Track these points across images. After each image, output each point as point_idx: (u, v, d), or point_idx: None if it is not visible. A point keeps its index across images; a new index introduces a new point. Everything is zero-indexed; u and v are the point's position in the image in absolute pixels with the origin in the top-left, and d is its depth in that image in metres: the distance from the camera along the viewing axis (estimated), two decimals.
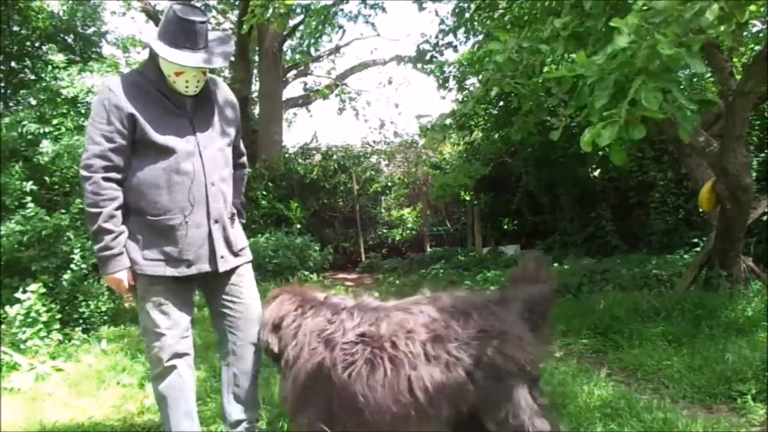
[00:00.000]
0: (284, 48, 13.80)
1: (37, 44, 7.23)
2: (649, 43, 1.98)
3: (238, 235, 2.50)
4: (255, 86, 13.46)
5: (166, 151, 2.23)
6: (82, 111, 5.90)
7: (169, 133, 2.24)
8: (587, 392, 3.12)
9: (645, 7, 2.11)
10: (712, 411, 2.97)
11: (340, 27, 14.11)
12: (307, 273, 8.92)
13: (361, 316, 2.15)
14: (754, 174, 5.87)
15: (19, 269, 4.97)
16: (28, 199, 5.16)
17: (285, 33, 12.16)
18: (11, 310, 4.53)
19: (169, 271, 2.28)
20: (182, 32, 2.17)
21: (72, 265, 5.04)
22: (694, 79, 6.73)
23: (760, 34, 5.35)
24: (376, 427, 2.01)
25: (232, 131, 2.50)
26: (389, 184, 13.09)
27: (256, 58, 13.36)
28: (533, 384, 2.10)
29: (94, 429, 3.03)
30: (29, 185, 5.32)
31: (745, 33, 5.20)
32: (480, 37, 5.78)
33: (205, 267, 2.34)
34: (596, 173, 9.02)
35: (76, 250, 5.09)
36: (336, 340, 2.09)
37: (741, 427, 2.74)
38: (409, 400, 1.98)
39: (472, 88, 6.75)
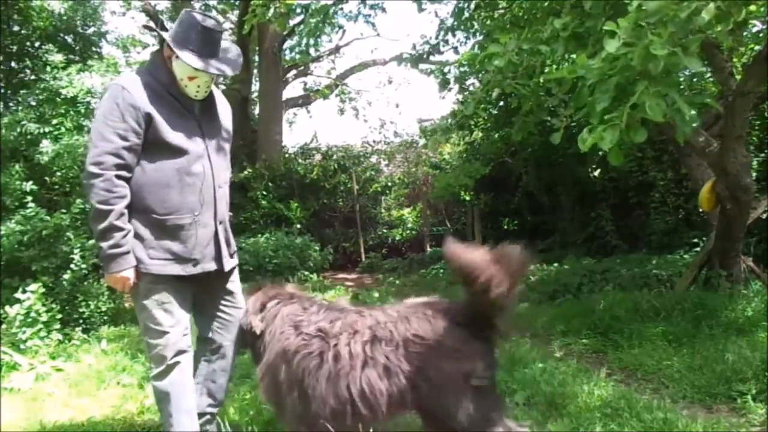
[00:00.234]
0: (284, 48, 13.79)
1: (37, 44, 7.22)
2: (642, 44, 1.97)
3: (231, 237, 2.61)
4: (255, 86, 13.45)
5: (179, 152, 2.28)
6: (82, 111, 5.90)
7: (181, 135, 2.29)
8: (587, 392, 3.12)
9: (639, 5, 2.11)
10: (712, 411, 2.98)
11: (340, 27, 14.09)
12: (307, 273, 8.92)
13: (326, 312, 2.31)
14: (754, 174, 5.87)
15: (19, 269, 4.97)
16: (29, 199, 5.16)
17: (285, 33, 12.15)
18: (11, 310, 4.53)
19: (176, 270, 2.31)
20: (204, 40, 2.25)
21: (72, 265, 5.04)
22: (694, 79, 6.72)
23: (760, 34, 5.35)
24: (319, 417, 2.13)
25: (230, 137, 2.60)
26: (389, 184, 13.09)
27: (256, 58, 13.36)
28: (482, 395, 2.06)
29: (94, 429, 3.03)
30: (29, 185, 5.32)
31: (745, 33, 5.19)
32: (480, 38, 5.79)
33: (211, 266, 2.40)
34: (596, 173, 9.02)
35: (76, 250, 5.09)
36: (301, 328, 2.26)
37: (741, 427, 2.74)
38: (345, 397, 2.10)
39: (472, 88, 6.75)
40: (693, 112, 2.07)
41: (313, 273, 9.09)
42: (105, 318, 5.42)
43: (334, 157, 12.76)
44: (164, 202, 2.26)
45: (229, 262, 2.51)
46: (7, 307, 4.57)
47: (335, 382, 2.13)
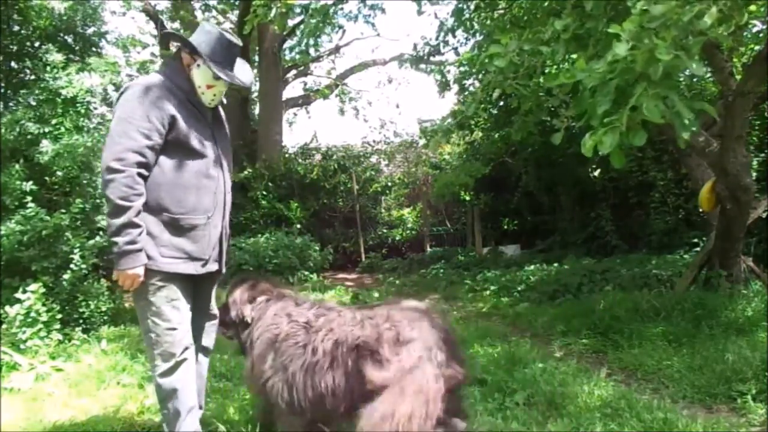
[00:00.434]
0: (284, 48, 13.80)
1: (37, 44, 7.22)
2: (646, 48, 1.98)
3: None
4: (255, 86, 13.46)
5: (199, 155, 2.36)
6: (81, 111, 5.89)
7: (201, 139, 2.37)
8: (587, 392, 3.12)
9: (644, 9, 2.11)
10: (712, 411, 2.98)
11: (340, 27, 14.10)
12: (307, 273, 8.92)
13: (315, 308, 2.47)
14: (754, 174, 5.88)
15: (19, 269, 4.97)
16: (29, 199, 5.16)
17: (285, 33, 12.16)
18: (11, 310, 4.53)
19: (187, 269, 2.36)
20: (228, 54, 2.42)
21: (72, 265, 5.04)
22: (694, 80, 6.73)
23: (760, 34, 5.35)
24: (299, 405, 2.28)
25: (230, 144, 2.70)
26: (389, 184, 13.09)
27: (256, 58, 13.36)
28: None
29: (94, 429, 3.03)
30: (29, 185, 5.32)
31: (745, 33, 5.20)
32: (480, 38, 5.79)
33: (214, 267, 2.49)
34: (596, 173, 9.03)
35: (75, 250, 5.08)
36: (293, 317, 2.43)
37: (741, 427, 2.74)
38: (318, 390, 2.24)
39: (472, 88, 6.75)
40: (692, 115, 2.07)
41: (313, 273, 9.09)
42: (105, 318, 5.41)
43: (334, 157, 12.76)
44: (181, 202, 2.31)
45: (223, 266, 2.60)
46: (7, 307, 4.56)
47: (311, 374, 2.26)
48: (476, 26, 5.82)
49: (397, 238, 12.54)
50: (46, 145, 5.47)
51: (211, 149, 2.42)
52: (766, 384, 3.02)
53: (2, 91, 7.27)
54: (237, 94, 12.22)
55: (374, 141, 14.38)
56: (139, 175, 2.21)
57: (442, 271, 9.27)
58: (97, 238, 5.37)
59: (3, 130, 5.65)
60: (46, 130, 5.62)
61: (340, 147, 13.33)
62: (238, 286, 2.65)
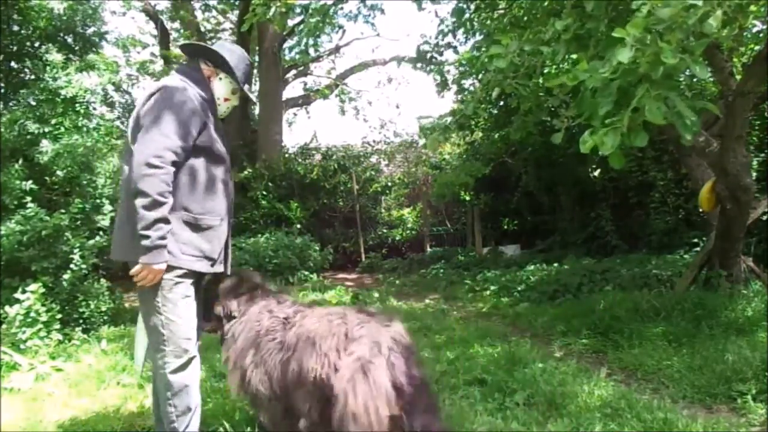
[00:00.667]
0: (284, 48, 13.79)
1: (37, 44, 7.21)
2: (652, 51, 1.97)
3: None
4: (255, 86, 13.47)
5: (222, 161, 2.51)
6: (81, 111, 5.89)
7: (221, 146, 2.51)
8: (587, 392, 3.12)
9: (649, 12, 2.10)
10: (712, 411, 2.98)
11: (340, 27, 14.12)
12: (307, 273, 8.92)
13: (296, 306, 2.55)
14: (754, 174, 5.88)
15: (19, 269, 4.97)
16: (28, 199, 5.16)
17: (285, 33, 12.16)
18: (11, 310, 4.53)
19: (202, 267, 2.43)
20: (247, 73, 2.66)
21: (72, 265, 5.04)
22: (694, 80, 6.72)
23: (760, 34, 5.35)
24: (277, 399, 2.37)
25: None
26: (389, 184, 13.09)
27: (256, 58, 13.36)
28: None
29: (94, 429, 3.03)
30: (29, 184, 5.32)
31: (745, 33, 5.20)
32: (480, 38, 5.78)
33: (220, 268, 2.56)
34: (596, 173, 9.03)
35: (76, 250, 5.08)
36: (274, 313, 2.51)
37: (741, 427, 2.74)
38: (284, 381, 2.32)
39: (471, 88, 6.74)
40: (694, 116, 2.07)
41: (313, 273, 9.09)
42: (105, 318, 5.42)
43: (334, 157, 12.76)
44: (203, 202, 2.41)
45: (228, 268, 2.67)
46: (7, 307, 4.57)
47: (284, 366, 2.34)
48: (476, 26, 5.82)
49: (397, 238, 12.55)
50: (46, 145, 5.47)
51: (226, 156, 2.56)
52: (766, 384, 3.02)
53: (2, 91, 7.26)
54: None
55: (374, 141, 14.39)
56: (174, 174, 2.31)
57: (442, 271, 9.28)
58: (97, 238, 5.37)
59: (3, 130, 5.64)
60: (46, 130, 5.62)
61: (340, 147, 13.33)
62: (225, 281, 2.69)
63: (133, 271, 2.27)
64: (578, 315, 4.94)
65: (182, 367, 2.38)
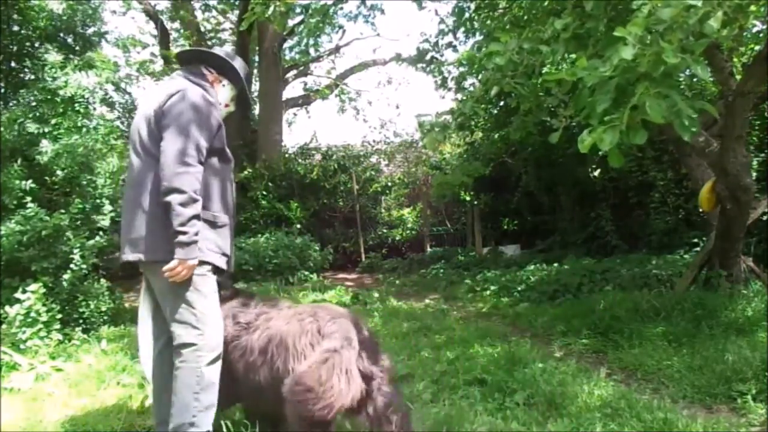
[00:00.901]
0: (284, 48, 13.79)
1: (36, 44, 7.21)
2: (653, 51, 1.97)
3: None
4: (255, 86, 13.46)
5: (230, 162, 2.60)
6: (81, 111, 5.88)
7: (228, 148, 2.57)
8: (587, 392, 3.12)
9: (650, 12, 2.10)
10: (712, 411, 2.98)
11: (340, 27, 14.11)
12: (307, 273, 8.92)
13: (260, 306, 2.60)
14: (754, 174, 5.87)
15: (19, 269, 4.97)
16: (28, 199, 5.16)
17: (285, 33, 12.15)
18: (11, 310, 4.53)
19: (221, 263, 2.48)
20: (250, 80, 2.74)
21: (72, 265, 5.04)
22: (694, 80, 6.72)
23: (760, 34, 5.35)
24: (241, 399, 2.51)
25: None
26: (389, 184, 13.09)
27: (256, 58, 13.36)
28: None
29: (94, 429, 3.03)
30: (28, 184, 5.32)
31: (745, 33, 5.20)
32: (480, 38, 5.78)
33: (225, 266, 2.56)
34: (596, 173, 9.03)
35: (76, 250, 5.08)
36: (238, 318, 2.56)
37: (741, 427, 2.74)
38: (251, 386, 2.41)
39: (471, 88, 6.73)
40: (693, 115, 2.07)
41: (313, 273, 9.08)
42: (105, 318, 5.41)
43: (334, 157, 12.76)
44: (219, 201, 2.48)
45: (232, 266, 2.67)
46: (7, 307, 4.57)
47: (250, 372, 2.42)
48: (477, 26, 5.82)
49: (397, 238, 12.54)
50: (46, 145, 5.47)
51: (232, 157, 2.63)
52: (766, 384, 3.02)
53: (2, 91, 7.26)
54: None
55: (374, 141, 14.39)
56: None
57: (442, 271, 9.28)
58: (97, 238, 5.37)
59: (3, 130, 5.64)
60: (46, 130, 5.61)
61: (340, 147, 13.33)
62: None
63: (168, 267, 2.27)
64: (578, 315, 4.94)
65: (213, 362, 2.40)
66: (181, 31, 14.35)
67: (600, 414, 2.82)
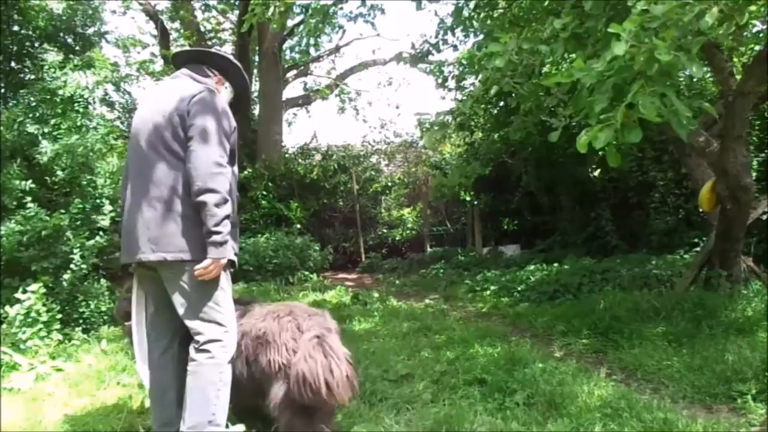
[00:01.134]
0: (284, 48, 13.78)
1: (36, 44, 7.21)
2: (647, 48, 1.98)
3: None
4: (255, 86, 13.45)
5: (236, 164, 2.61)
6: (80, 111, 5.88)
7: None
8: (587, 392, 3.11)
9: (644, 9, 2.11)
10: (712, 411, 2.97)
11: (340, 27, 14.13)
12: (307, 273, 8.92)
13: (239, 311, 2.64)
14: (754, 174, 5.87)
15: (19, 269, 4.96)
16: (28, 199, 5.16)
17: (285, 33, 12.16)
18: (11, 310, 4.52)
19: (236, 261, 2.50)
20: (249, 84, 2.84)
21: (72, 265, 5.04)
22: (694, 80, 6.72)
23: (760, 34, 5.35)
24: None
25: None
26: (389, 184, 13.10)
27: (256, 58, 13.36)
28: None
29: (94, 429, 3.03)
30: (28, 184, 5.32)
31: (745, 33, 5.19)
32: (480, 38, 5.78)
33: (236, 264, 2.59)
34: (596, 173, 9.03)
35: (76, 250, 5.08)
36: None
37: (741, 427, 2.74)
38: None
39: (471, 88, 6.74)
40: (689, 114, 2.07)
41: (313, 273, 9.09)
42: (105, 318, 5.41)
43: (334, 157, 12.77)
44: (233, 202, 2.50)
45: None
46: (7, 307, 4.56)
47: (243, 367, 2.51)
48: (476, 25, 5.82)
49: (397, 238, 12.55)
50: (46, 146, 5.47)
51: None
52: (766, 384, 3.02)
53: (2, 91, 7.26)
54: None
55: (374, 141, 14.41)
56: None
57: (442, 271, 9.28)
58: (97, 238, 5.36)
59: (3, 129, 5.64)
60: (45, 130, 5.61)
61: (340, 147, 13.34)
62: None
63: (202, 266, 2.27)
64: (578, 315, 4.94)
65: (231, 360, 2.42)
66: (181, 31, 14.34)
67: (600, 414, 2.82)
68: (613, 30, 2.07)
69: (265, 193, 11.20)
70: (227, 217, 2.30)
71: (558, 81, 2.36)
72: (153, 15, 13.38)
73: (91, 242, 5.25)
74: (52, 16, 7.25)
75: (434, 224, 12.89)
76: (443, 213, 12.92)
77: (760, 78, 4.07)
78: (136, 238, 2.36)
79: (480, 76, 4.16)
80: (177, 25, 14.57)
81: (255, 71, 13.67)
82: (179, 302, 2.38)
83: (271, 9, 5.01)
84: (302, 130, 40.75)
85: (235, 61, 2.71)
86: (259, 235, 9.42)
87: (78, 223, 5.36)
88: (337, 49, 16.30)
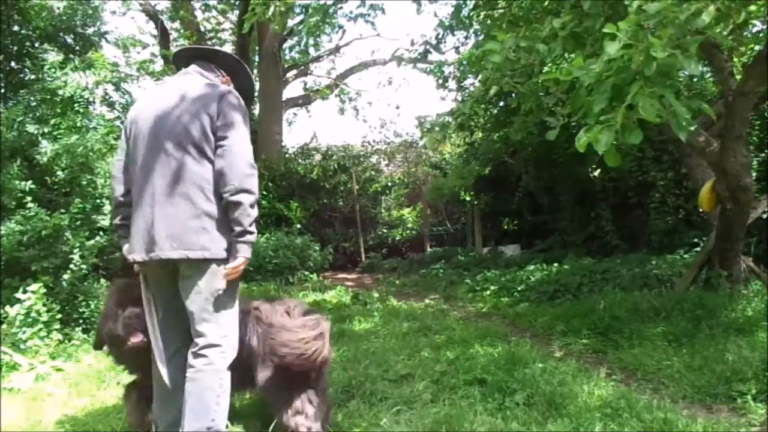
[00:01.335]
0: (284, 48, 13.78)
1: (37, 44, 7.21)
2: (643, 47, 1.98)
3: None
4: (255, 86, 13.44)
5: None
6: (80, 111, 5.88)
7: None
8: (587, 392, 3.11)
9: (640, 7, 2.11)
10: (712, 411, 2.97)
11: (340, 27, 14.13)
12: (307, 273, 8.92)
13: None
14: (754, 174, 5.87)
15: (19, 269, 4.96)
16: (28, 199, 5.16)
17: (285, 33, 12.15)
18: (11, 310, 4.53)
19: None
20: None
21: (72, 265, 5.04)
22: (694, 80, 6.72)
23: (760, 34, 5.35)
24: None
25: None
26: (389, 184, 13.09)
27: (256, 58, 13.36)
28: None
29: (94, 429, 3.03)
30: (29, 184, 5.32)
31: (745, 33, 5.19)
32: (481, 38, 5.79)
33: None
34: (596, 173, 9.02)
35: (75, 250, 5.08)
36: None
37: (741, 427, 2.74)
38: None
39: (471, 88, 6.74)
40: (688, 114, 2.07)
41: (313, 273, 9.09)
42: None
43: (334, 157, 12.76)
44: None
45: None
46: (7, 307, 4.56)
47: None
48: (475, 25, 5.82)
49: (397, 238, 12.55)
50: (46, 146, 5.47)
51: None
52: (766, 384, 3.02)
53: (2, 91, 7.26)
54: None
55: (374, 141, 14.40)
56: None
57: (442, 271, 9.28)
58: (97, 238, 5.36)
59: (3, 129, 5.64)
60: (45, 130, 5.61)
61: (340, 147, 13.33)
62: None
63: (234, 265, 2.29)
64: (578, 315, 4.94)
65: (230, 364, 2.38)
66: (181, 31, 14.35)
67: (600, 414, 2.82)
68: (608, 30, 2.07)
69: (265, 193, 11.20)
70: (257, 218, 2.34)
71: (556, 78, 2.36)
72: (153, 15, 13.38)
73: (91, 242, 5.25)
74: (52, 16, 7.24)
75: (434, 224, 12.89)
76: (443, 213, 12.92)
77: (760, 78, 4.07)
78: (152, 235, 2.28)
79: (480, 77, 4.16)
80: (177, 25, 14.57)
81: (255, 71, 13.67)
82: (190, 300, 2.33)
83: (272, 8, 5.01)
84: (302, 130, 40.81)
85: (242, 62, 2.69)
86: (259, 235, 9.41)
87: (78, 223, 5.35)
88: (337, 49, 16.31)
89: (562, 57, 3.55)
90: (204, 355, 2.31)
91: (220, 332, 2.34)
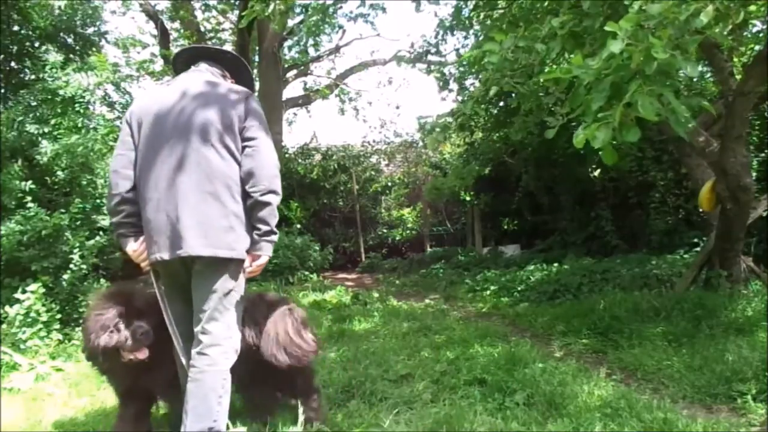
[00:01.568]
0: (284, 47, 13.77)
1: (37, 44, 7.21)
2: (643, 47, 1.98)
3: None
4: (255, 86, 13.44)
5: None
6: (81, 111, 5.88)
7: None
8: (587, 392, 3.11)
9: (641, 7, 2.11)
10: (712, 411, 2.97)
11: (340, 27, 14.10)
12: (307, 273, 8.92)
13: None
14: (754, 174, 5.87)
15: (19, 269, 4.97)
16: (28, 199, 5.16)
17: (285, 33, 12.15)
18: (11, 310, 4.53)
19: None
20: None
21: (72, 265, 5.04)
22: (694, 79, 6.72)
23: (760, 34, 5.35)
24: None
25: None
26: (389, 184, 13.10)
27: (256, 58, 13.35)
28: None
29: (94, 429, 3.03)
30: (28, 184, 5.32)
31: (745, 33, 5.20)
32: (480, 38, 5.79)
33: None
34: (596, 173, 9.03)
35: (75, 250, 5.08)
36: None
37: (741, 427, 2.74)
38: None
39: (472, 89, 6.74)
40: (687, 113, 2.07)
41: (313, 273, 9.09)
42: None
43: (334, 157, 12.76)
44: None
45: None
46: (7, 307, 4.57)
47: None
48: (475, 25, 5.82)
49: (397, 238, 12.55)
50: (46, 146, 5.47)
51: None
52: (766, 384, 3.02)
53: (2, 91, 7.26)
54: None
55: (374, 141, 14.40)
56: None
57: (442, 271, 9.28)
58: (97, 238, 5.36)
59: (3, 129, 5.64)
60: (46, 130, 5.61)
61: (340, 147, 13.33)
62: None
63: (260, 263, 2.34)
64: (578, 315, 4.94)
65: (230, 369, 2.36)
66: (181, 31, 14.34)
67: (600, 414, 2.82)
68: (609, 28, 2.08)
69: None
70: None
71: (556, 77, 2.36)
72: (153, 15, 13.37)
73: (91, 242, 5.25)
74: (52, 16, 7.25)
75: (434, 224, 12.90)
76: (443, 213, 12.92)
77: (760, 78, 4.07)
78: (179, 233, 2.22)
79: (480, 77, 4.16)
80: (177, 25, 14.56)
81: (255, 71, 13.66)
82: (203, 298, 2.30)
83: (271, 6, 4.99)
84: (302, 130, 40.82)
85: (245, 62, 2.68)
86: None
87: (78, 223, 5.36)
88: (337, 49, 16.27)
89: (562, 56, 3.55)
90: (207, 355, 2.29)
91: (226, 332, 2.34)
